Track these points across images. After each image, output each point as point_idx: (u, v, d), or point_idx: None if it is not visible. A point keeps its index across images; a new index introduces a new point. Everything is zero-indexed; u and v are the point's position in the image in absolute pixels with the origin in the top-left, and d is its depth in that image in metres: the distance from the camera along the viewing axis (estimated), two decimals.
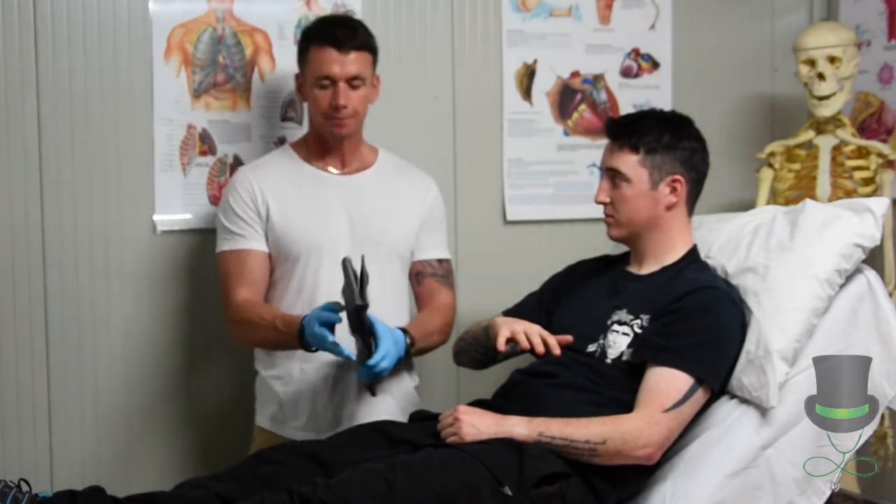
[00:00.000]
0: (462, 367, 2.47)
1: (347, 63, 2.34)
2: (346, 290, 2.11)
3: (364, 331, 2.13)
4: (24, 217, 2.60)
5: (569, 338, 2.14)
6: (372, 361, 2.12)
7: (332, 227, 2.39)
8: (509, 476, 1.91)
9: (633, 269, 2.30)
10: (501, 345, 2.10)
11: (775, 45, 3.34)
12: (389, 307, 2.41)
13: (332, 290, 2.33)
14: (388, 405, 2.40)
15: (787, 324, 2.15)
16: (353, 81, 2.35)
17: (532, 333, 2.10)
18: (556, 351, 2.09)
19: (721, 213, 2.59)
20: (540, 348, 2.08)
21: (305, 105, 2.54)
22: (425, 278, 2.51)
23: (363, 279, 2.07)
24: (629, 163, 2.22)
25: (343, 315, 2.14)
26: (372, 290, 2.28)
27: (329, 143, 2.44)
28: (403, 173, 2.55)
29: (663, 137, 2.22)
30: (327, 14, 2.65)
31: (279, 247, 2.39)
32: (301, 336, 2.19)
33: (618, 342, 2.16)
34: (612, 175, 2.25)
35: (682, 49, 3.23)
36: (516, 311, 2.43)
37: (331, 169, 2.46)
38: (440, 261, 2.54)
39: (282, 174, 2.43)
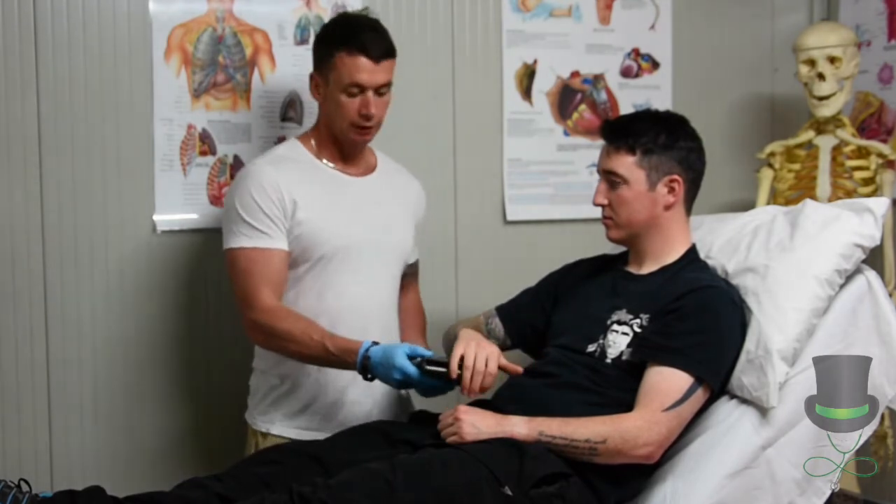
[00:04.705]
0: None
1: (378, 72, 2.31)
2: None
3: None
4: (24, 217, 2.59)
5: (518, 369, 2.14)
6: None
7: (354, 228, 2.37)
8: (509, 476, 1.91)
9: (633, 269, 2.30)
10: (455, 364, 2.07)
11: (775, 45, 3.34)
12: (393, 309, 2.47)
13: (355, 293, 2.36)
14: (395, 404, 2.47)
15: (787, 324, 2.15)
16: (380, 89, 2.33)
17: (478, 371, 2.05)
18: (485, 396, 2.07)
19: (721, 213, 2.59)
20: (470, 392, 2.05)
21: (316, 105, 2.46)
22: (405, 278, 2.55)
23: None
24: (626, 164, 2.22)
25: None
26: (384, 293, 2.43)
27: (344, 146, 2.41)
28: (400, 176, 2.55)
29: (659, 138, 2.22)
30: (346, 14, 2.55)
31: (303, 246, 2.33)
32: (363, 364, 2.13)
33: (618, 342, 2.16)
34: (609, 177, 2.24)
35: (682, 49, 3.23)
36: (509, 308, 2.45)
37: (342, 169, 2.43)
38: (416, 261, 2.61)
39: (301, 171, 2.37)
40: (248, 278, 2.29)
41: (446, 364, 2.09)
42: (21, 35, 2.57)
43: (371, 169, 2.48)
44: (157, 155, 2.69)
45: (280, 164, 2.36)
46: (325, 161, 2.42)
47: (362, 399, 2.39)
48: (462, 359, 2.07)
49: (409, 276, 2.58)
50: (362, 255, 2.37)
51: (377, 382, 2.21)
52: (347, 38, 2.31)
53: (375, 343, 2.15)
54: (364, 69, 2.29)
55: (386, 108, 2.38)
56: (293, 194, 2.31)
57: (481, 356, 2.07)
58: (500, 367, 2.10)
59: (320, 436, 2.25)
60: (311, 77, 2.40)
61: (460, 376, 2.07)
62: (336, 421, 2.36)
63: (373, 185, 2.45)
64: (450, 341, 2.37)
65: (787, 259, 2.23)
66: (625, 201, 2.22)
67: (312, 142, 2.43)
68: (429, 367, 2.09)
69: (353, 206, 2.39)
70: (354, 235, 2.37)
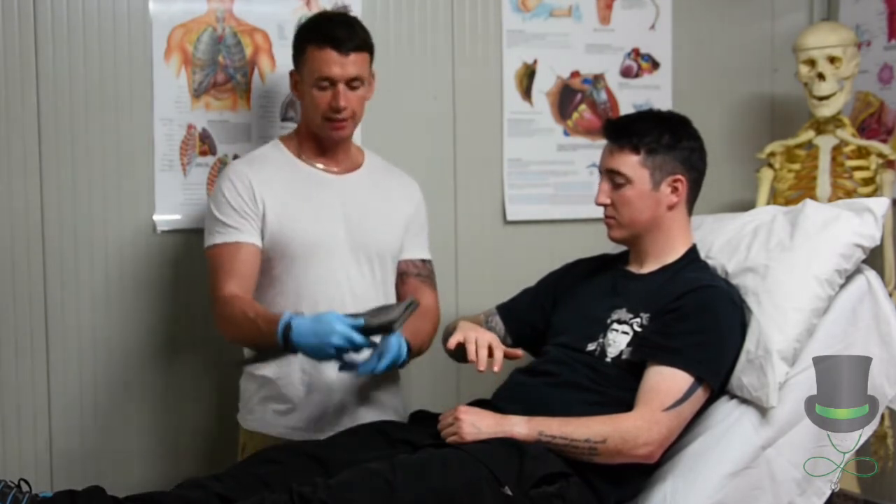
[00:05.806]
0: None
1: (347, 65, 2.31)
2: (389, 309, 2.10)
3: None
4: (24, 217, 2.59)
5: (519, 352, 2.14)
6: (379, 367, 2.10)
7: (330, 226, 2.37)
8: (509, 476, 1.91)
9: (633, 269, 2.30)
10: (452, 344, 2.10)
11: (775, 45, 3.34)
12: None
13: (332, 292, 2.34)
14: (385, 406, 2.43)
15: (787, 324, 2.15)
16: (352, 83, 2.32)
17: (481, 345, 2.08)
18: (495, 368, 2.07)
19: (721, 213, 2.59)
20: (480, 364, 2.06)
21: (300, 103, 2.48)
22: (409, 278, 2.51)
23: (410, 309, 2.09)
24: (630, 163, 2.22)
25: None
26: (366, 292, 2.37)
27: (324, 142, 2.41)
28: (391, 174, 2.54)
29: (663, 137, 2.22)
30: (323, 11, 2.60)
31: (276, 245, 2.33)
32: (286, 336, 2.09)
33: (617, 341, 2.16)
34: (612, 176, 2.24)
35: (682, 49, 3.23)
36: (509, 307, 2.44)
37: (323, 167, 2.43)
38: (423, 261, 2.54)
39: (276, 170, 2.38)
40: (214, 275, 2.31)
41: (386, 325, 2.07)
42: (21, 35, 2.57)
43: (355, 167, 2.47)
44: (157, 155, 2.69)
45: (254, 164, 2.39)
46: (305, 159, 2.42)
47: (349, 399, 2.38)
48: (460, 344, 2.07)
49: (414, 276, 2.52)
50: (338, 254, 2.36)
51: (366, 382, 2.20)
52: (317, 32, 2.34)
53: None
54: (333, 62, 2.30)
55: (361, 103, 2.38)
56: (263, 193, 2.33)
57: (482, 338, 2.08)
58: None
59: (309, 436, 2.26)
60: (291, 74, 2.44)
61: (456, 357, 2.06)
62: (325, 421, 2.35)
63: (355, 183, 2.44)
64: (448, 336, 2.36)
65: (787, 259, 2.23)
66: (628, 201, 2.22)
67: (295, 140, 2.45)
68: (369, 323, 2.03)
69: (329, 205, 2.39)
70: (328, 233, 2.36)
